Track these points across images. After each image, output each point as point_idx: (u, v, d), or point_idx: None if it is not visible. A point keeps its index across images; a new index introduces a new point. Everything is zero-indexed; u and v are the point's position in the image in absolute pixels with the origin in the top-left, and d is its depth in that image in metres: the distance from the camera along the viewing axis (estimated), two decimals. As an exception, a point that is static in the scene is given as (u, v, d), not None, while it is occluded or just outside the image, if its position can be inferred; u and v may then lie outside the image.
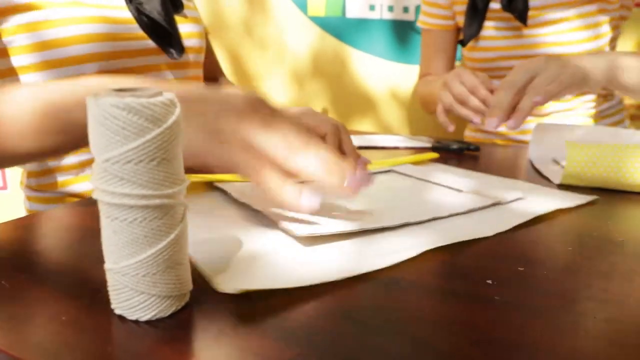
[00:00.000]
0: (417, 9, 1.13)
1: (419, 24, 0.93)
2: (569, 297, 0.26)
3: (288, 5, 1.10)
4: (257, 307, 0.24)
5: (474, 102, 0.64)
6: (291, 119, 0.33)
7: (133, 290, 0.22)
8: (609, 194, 0.45)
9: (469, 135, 0.95)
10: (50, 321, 0.23)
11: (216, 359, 0.21)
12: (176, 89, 0.35)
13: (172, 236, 0.23)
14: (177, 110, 0.23)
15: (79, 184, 0.57)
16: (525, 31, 0.80)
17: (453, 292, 0.26)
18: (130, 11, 0.55)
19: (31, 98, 0.35)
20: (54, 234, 0.35)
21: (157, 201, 0.22)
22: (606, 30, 0.79)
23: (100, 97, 0.21)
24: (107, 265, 0.23)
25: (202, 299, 0.25)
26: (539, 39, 0.79)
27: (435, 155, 0.57)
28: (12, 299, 0.25)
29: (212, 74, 0.76)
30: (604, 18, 0.78)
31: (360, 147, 0.67)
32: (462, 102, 0.66)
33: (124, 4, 0.55)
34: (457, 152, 0.65)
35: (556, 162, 0.56)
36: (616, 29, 0.81)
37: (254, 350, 0.21)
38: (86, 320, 0.23)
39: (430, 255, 0.31)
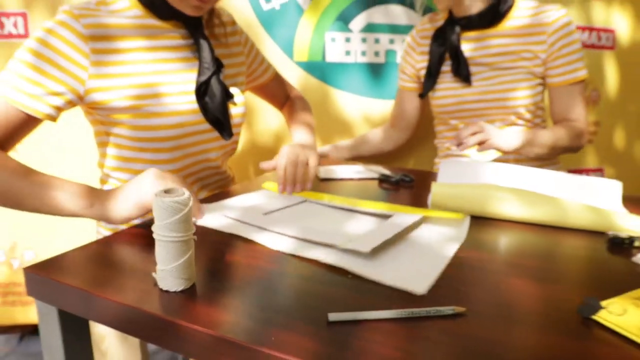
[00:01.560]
0: (387, 53, 1.40)
1: (398, 85, 1.30)
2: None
3: (278, 52, 1.37)
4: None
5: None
6: None
7: (171, 277, 0.49)
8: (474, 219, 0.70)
9: (438, 161, 1.23)
10: (134, 291, 0.49)
11: (210, 310, 0.47)
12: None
13: (189, 253, 0.49)
14: (191, 201, 0.49)
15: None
16: (469, 88, 1.11)
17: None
18: (200, 107, 0.82)
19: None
20: (127, 247, 0.61)
21: (184, 238, 0.49)
22: (531, 92, 1.09)
23: (160, 197, 0.48)
24: (159, 267, 0.50)
25: (201, 283, 0.51)
26: (479, 89, 1.10)
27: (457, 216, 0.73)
28: (112, 284, 0.52)
29: (285, 98, 1.11)
30: (533, 82, 1.08)
31: (323, 180, 0.94)
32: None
33: (194, 99, 0.83)
34: (395, 183, 0.92)
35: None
36: (537, 87, 1.10)
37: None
38: (151, 290, 0.49)
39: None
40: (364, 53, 1.40)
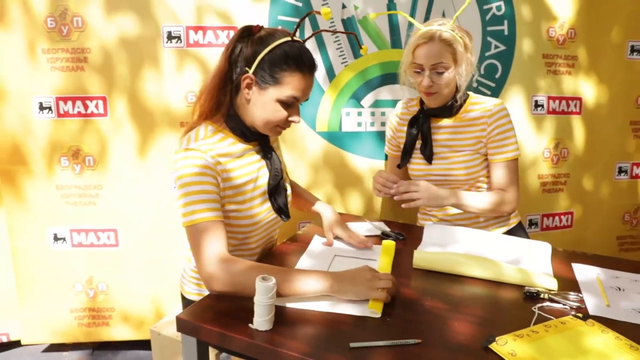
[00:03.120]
0: (390, 125, 1.82)
1: (385, 152, 1.68)
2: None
3: (303, 125, 1.79)
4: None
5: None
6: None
7: (263, 323, 0.91)
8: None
9: (420, 216, 1.63)
10: (241, 324, 0.92)
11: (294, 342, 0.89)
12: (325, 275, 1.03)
13: (273, 312, 0.91)
14: (275, 285, 0.91)
15: None
16: (432, 165, 1.50)
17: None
18: (270, 201, 1.23)
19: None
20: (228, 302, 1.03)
21: (271, 302, 0.91)
22: (479, 167, 1.48)
23: (261, 282, 0.90)
24: (255, 319, 0.91)
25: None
26: (440, 166, 1.50)
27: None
28: (222, 322, 0.94)
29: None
30: (479, 160, 1.47)
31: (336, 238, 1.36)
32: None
33: (266, 196, 1.23)
34: (394, 239, 1.34)
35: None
36: (483, 163, 1.49)
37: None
38: (251, 330, 0.92)
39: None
40: (372, 124, 1.83)
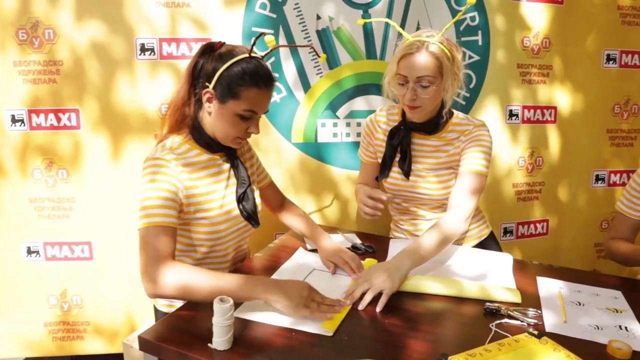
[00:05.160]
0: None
1: (358, 155, 1.63)
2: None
3: (278, 136, 1.81)
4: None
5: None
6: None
7: (222, 343, 0.93)
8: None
9: (393, 227, 1.64)
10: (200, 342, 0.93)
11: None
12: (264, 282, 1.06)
13: (231, 332, 0.93)
14: (232, 306, 0.93)
15: None
16: (408, 181, 1.48)
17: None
18: (239, 208, 1.27)
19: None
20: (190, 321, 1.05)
21: (229, 323, 0.92)
22: (453, 182, 1.45)
23: (218, 304, 0.92)
24: (214, 339, 0.93)
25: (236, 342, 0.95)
26: (416, 184, 1.48)
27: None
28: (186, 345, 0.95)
29: (279, 203, 1.53)
30: (452, 182, 1.44)
31: (311, 250, 1.38)
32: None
33: (235, 203, 1.27)
34: (362, 253, 1.36)
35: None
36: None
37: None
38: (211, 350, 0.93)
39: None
40: (348, 134, 1.85)
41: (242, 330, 0.99)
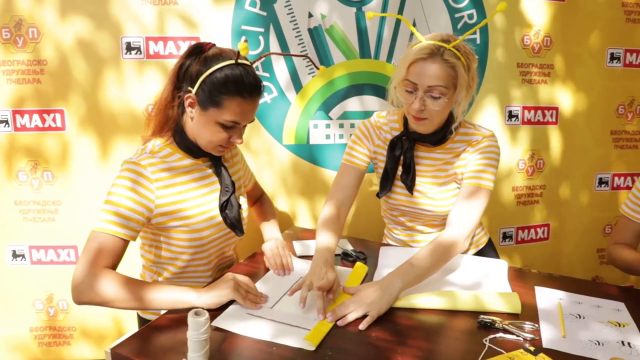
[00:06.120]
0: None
1: (343, 160, 1.38)
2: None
3: (269, 137, 1.75)
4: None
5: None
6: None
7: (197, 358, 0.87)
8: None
9: (387, 234, 1.56)
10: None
11: None
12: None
13: (207, 346, 0.87)
14: (208, 320, 0.87)
15: None
16: (411, 197, 1.35)
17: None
18: (222, 216, 1.20)
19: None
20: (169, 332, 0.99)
21: (204, 337, 0.86)
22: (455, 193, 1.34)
23: (193, 317, 0.86)
24: (189, 355, 0.87)
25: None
26: (420, 199, 1.36)
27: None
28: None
29: (257, 198, 1.50)
30: (458, 191, 1.32)
31: (300, 257, 1.32)
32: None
33: (217, 211, 1.20)
34: (353, 261, 1.29)
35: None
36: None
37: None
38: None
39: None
40: (341, 136, 1.78)
41: (219, 344, 0.93)
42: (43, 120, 1.69)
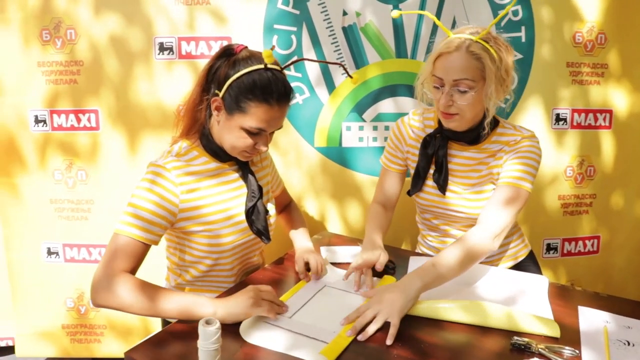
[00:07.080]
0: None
1: (380, 161, 1.42)
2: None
3: (300, 139, 1.71)
4: None
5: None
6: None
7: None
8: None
9: (420, 241, 1.49)
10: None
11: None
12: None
13: (218, 356, 0.83)
14: (219, 329, 0.83)
15: None
16: (443, 197, 1.29)
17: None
18: (248, 222, 1.18)
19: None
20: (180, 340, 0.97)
21: (215, 347, 0.83)
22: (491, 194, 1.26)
23: (203, 326, 0.82)
24: None
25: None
26: (452, 200, 1.29)
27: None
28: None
29: (285, 205, 1.47)
30: (492, 187, 1.26)
31: (332, 263, 1.26)
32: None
33: (243, 216, 1.18)
34: (382, 272, 1.23)
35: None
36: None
37: None
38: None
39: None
40: (375, 139, 1.72)
41: (231, 354, 0.90)
42: (78, 120, 1.72)
